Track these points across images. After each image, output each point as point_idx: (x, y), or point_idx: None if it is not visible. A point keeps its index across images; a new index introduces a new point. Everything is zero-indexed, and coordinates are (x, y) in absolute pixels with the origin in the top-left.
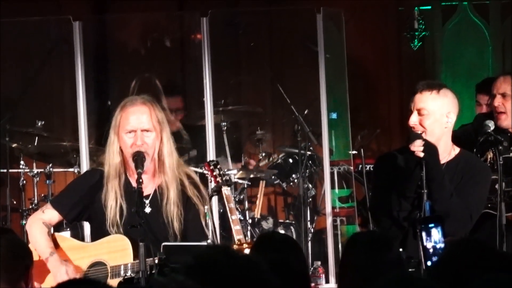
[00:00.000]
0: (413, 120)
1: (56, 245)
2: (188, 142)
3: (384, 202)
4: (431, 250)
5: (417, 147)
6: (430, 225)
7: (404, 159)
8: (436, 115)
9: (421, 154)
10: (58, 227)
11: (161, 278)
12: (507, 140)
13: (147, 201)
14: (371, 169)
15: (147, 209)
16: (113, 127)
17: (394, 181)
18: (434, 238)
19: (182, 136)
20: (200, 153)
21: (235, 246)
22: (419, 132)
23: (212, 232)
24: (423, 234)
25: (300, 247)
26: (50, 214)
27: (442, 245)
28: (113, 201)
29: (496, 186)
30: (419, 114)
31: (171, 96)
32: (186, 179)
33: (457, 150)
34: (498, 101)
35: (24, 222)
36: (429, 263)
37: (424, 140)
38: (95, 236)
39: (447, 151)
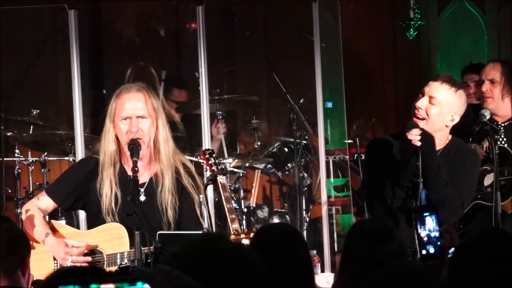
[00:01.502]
0: (423, 102)
1: (53, 231)
2: (184, 132)
3: (378, 188)
4: (425, 239)
5: (414, 136)
6: (425, 214)
7: (399, 147)
8: (443, 109)
9: (418, 143)
10: (53, 215)
11: (146, 268)
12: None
13: (142, 190)
14: (364, 159)
15: (142, 198)
16: (108, 115)
17: (388, 167)
18: (429, 227)
19: (177, 126)
20: (195, 142)
21: (232, 237)
22: (420, 117)
23: (207, 221)
24: (417, 222)
25: (302, 236)
26: (45, 202)
27: (437, 234)
28: (108, 189)
29: (486, 178)
30: (430, 101)
31: (180, 88)
32: (182, 168)
33: (449, 137)
34: (486, 87)
35: (19, 210)
36: (423, 252)
37: (421, 129)
38: (90, 225)
39: (442, 143)
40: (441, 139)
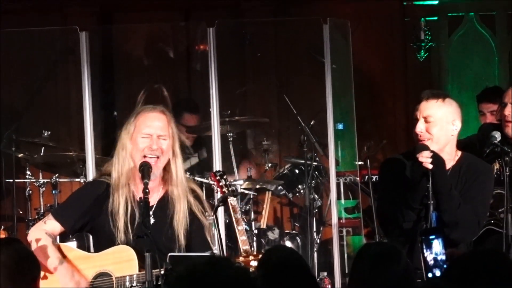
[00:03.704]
0: (420, 127)
1: (61, 255)
2: (191, 153)
3: (391, 209)
4: (431, 262)
5: (426, 158)
6: (431, 237)
7: (410, 169)
8: (442, 123)
9: (430, 166)
10: (64, 237)
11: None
12: None
13: (150, 212)
14: (377, 179)
15: (151, 220)
16: (127, 132)
17: (400, 187)
18: (435, 250)
19: (184, 149)
20: (205, 163)
21: (241, 258)
22: (425, 140)
23: (218, 243)
24: (424, 245)
25: (306, 262)
26: (52, 225)
27: (443, 257)
28: (123, 208)
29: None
30: (426, 121)
31: (191, 113)
32: (191, 194)
33: (459, 153)
34: (508, 110)
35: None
36: (429, 275)
37: (432, 151)
38: (98, 248)
39: (452, 157)
40: (450, 153)
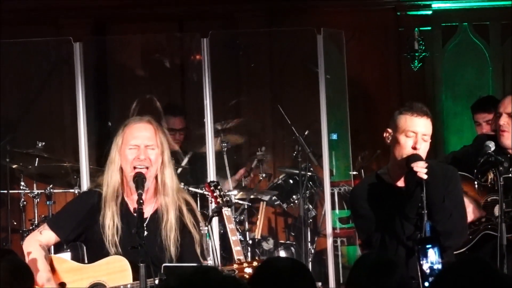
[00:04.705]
0: (421, 145)
1: (53, 268)
2: (186, 163)
3: (383, 228)
4: (428, 271)
5: (421, 168)
6: (427, 246)
7: (407, 180)
8: (429, 141)
9: (425, 176)
10: (59, 247)
11: None
12: (507, 161)
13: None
14: (353, 206)
15: (144, 232)
16: (115, 145)
17: (382, 207)
18: (431, 259)
19: (179, 160)
20: (200, 174)
21: (235, 265)
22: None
23: (212, 253)
24: (420, 255)
25: (309, 271)
26: (47, 235)
27: (439, 266)
28: (110, 220)
29: (496, 207)
30: (423, 140)
31: (173, 116)
32: (185, 206)
33: None
34: (504, 120)
35: None
36: (426, 283)
37: (427, 162)
38: (92, 258)
39: None
40: None
